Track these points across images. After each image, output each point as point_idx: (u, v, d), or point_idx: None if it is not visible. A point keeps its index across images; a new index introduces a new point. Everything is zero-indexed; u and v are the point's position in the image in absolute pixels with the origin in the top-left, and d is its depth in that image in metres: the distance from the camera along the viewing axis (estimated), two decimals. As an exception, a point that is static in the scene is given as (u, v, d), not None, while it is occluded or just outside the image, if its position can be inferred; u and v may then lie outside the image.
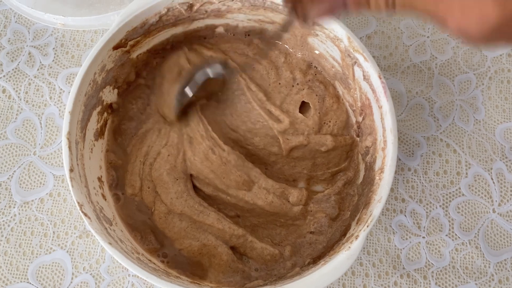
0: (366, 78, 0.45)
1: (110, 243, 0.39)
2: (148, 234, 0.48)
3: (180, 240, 0.48)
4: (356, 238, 0.39)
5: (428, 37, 0.60)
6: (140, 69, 0.52)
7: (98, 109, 0.47)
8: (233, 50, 0.54)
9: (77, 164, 0.42)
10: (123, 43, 0.46)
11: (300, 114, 0.51)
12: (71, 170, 0.41)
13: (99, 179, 0.47)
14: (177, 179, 0.49)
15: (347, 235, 0.43)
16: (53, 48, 0.59)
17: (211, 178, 0.49)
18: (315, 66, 0.53)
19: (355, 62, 0.46)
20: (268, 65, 0.53)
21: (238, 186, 0.49)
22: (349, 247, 0.39)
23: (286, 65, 0.53)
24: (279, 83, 0.52)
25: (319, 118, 0.51)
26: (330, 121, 0.52)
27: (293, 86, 0.52)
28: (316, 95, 0.52)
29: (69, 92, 0.55)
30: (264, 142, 0.51)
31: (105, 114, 0.49)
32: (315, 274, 0.38)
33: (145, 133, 0.51)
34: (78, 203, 0.40)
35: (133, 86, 0.52)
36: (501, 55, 0.59)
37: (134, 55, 0.49)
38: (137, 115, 0.52)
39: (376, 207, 0.40)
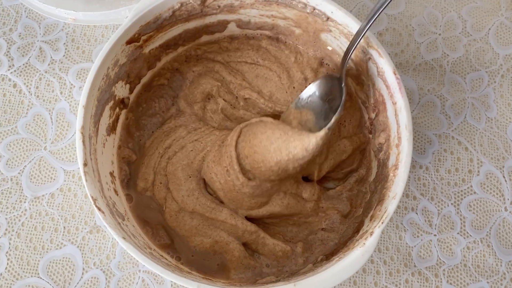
0: (380, 74, 0.45)
1: (124, 238, 0.39)
2: (160, 230, 0.48)
3: (191, 238, 0.48)
4: (371, 235, 0.39)
5: (440, 34, 0.59)
6: (164, 71, 0.53)
7: (111, 104, 0.47)
8: (243, 61, 0.54)
9: (91, 159, 0.42)
10: (136, 38, 0.46)
11: None
12: (85, 165, 0.41)
13: (111, 174, 0.47)
14: (190, 176, 0.49)
15: (361, 232, 0.43)
16: (64, 43, 0.58)
17: (221, 195, 0.49)
18: (327, 63, 0.53)
19: (369, 58, 0.45)
20: (278, 69, 0.53)
21: (251, 208, 0.48)
22: (364, 243, 0.39)
23: (296, 65, 0.53)
24: (294, 87, 0.52)
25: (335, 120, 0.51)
26: (345, 121, 0.51)
27: (305, 87, 0.52)
28: None
29: (79, 88, 0.56)
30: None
31: (117, 109, 0.49)
32: (330, 270, 0.38)
33: (174, 128, 0.51)
34: (92, 197, 0.40)
35: (155, 85, 0.52)
36: (513, 53, 0.59)
37: (146, 50, 0.49)
38: (159, 112, 0.52)
39: (391, 204, 0.40)
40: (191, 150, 0.50)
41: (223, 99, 0.52)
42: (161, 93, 0.53)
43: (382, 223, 0.39)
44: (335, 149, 0.50)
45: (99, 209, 0.39)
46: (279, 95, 0.52)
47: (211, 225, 0.48)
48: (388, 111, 0.45)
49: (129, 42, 0.46)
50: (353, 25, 0.44)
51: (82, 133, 0.41)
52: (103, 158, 0.45)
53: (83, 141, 0.41)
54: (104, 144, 0.46)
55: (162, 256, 0.45)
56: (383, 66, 0.44)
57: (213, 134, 0.50)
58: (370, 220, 0.43)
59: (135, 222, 0.47)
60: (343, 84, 0.45)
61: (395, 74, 0.43)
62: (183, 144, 0.50)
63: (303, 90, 0.49)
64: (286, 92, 0.52)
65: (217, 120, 0.52)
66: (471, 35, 0.59)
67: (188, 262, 0.47)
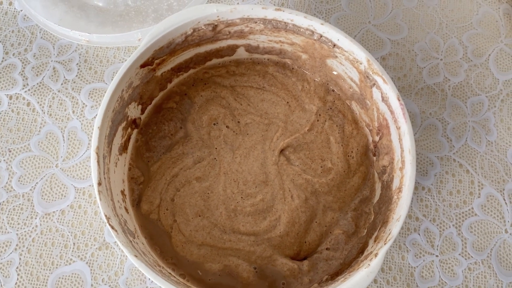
0: (384, 99, 0.46)
1: (136, 256, 0.40)
2: (167, 250, 0.49)
3: (199, 264, 0.48)
4: (376, 256, 0.40)
5: (441, 59, 0.61)
6: (174, 95, 0.55)
7: (123, 124, 0.49)
8: (249, 85, 0.56)
9: (104, 178, 0.43)
10: (150, 62, 0.48)
11: (330, 165, 0.52)
12: (99, 184, 0.42)
13: (122, 192, 0.48)
14: (199, 216, 0.50)
15: (365, 253, 0.44)
16: (77, 64, 0.60)
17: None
18: (332, 90, 0.54)
19: (374, 84, 0.47)
20: (286, 96, 0.55)
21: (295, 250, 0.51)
22: (369, 264, 0.40)
23: (304, 93, 0.55)
24: (307, 120, 0.54)
25: (343, 154, 0.52)
26: (352, 151, 0.53)
27: (317, 120, 0.53)
28: (336, 126, 0.53)
29: (91, 107, 0.57)
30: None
31: (129, 129, 0.50)
32: (335, 290, 0.39)
33: (182, 155, 0.52)
34: (106, 216, 0.41)
35: (165, 108, 0.54)
36: (512, 79, 0.61)
37: (159, 72, 0.51)
38: (168, 135, 0.53)
39: (395, 226, 0.41)
40: (196, 192, 0.51)
41: (226, 126, 0.54)
42: (170, 116, 0.54)
43: (385, 243, 0.41)
44: (352, 191, 0.52)
45: (112, 227, 0.41)
46: (289, 119, 0.54)
47: (221, 253, 0.49)
48: (392, 135, 0.47)
49: (143, 66, 0.47)
50: (359, 53, 0.46)
51: (97, 153, 0.43)
52: (115, 177, 0.47)
53: (98, 161, 0.43)
54: (116, 163, 0.48)
55: (170, 274, 0.46)
56: (388, 92, 0.46)
57: (213, 169, 0.52)
58: (375, 241, 0.44)
59: (144, 240, 0.48)
60: None
61: (399, 100, 0.45)
62: (189, 179, 0.51)
63: (315, 125, 0.53)
64: (302, 135, 0.53)
65: (217, 146, 0.53)
66: (471, 60, 0.61)
67: (195, 281, 0.48)
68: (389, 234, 0.41)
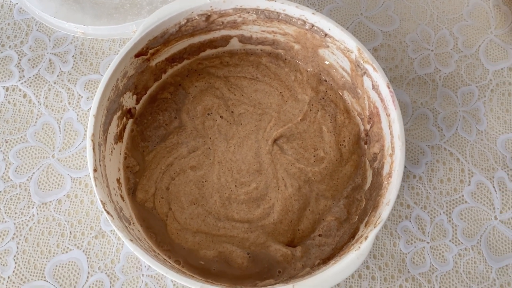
0: (375, 87, 0.47)
1: (131, 240, 0.41)
2: (163, 237, 0.50)
3: (194, 251, 0.49)
4: (366, 239, 0.41)
5: (432, 50, 0.62)
6: (168, 85, 0.55)
7: (118, 113, 0.49)
8: (243, 76, 0.56)
9: (100, 165, 0.44)
10: (144, 51, 0.49)
11: (323, 154, 0.53)
12: (95, 170, 0.43)
13: (118, 180, 0.49)
14: (194, 204, 0.51)
15: (356, 237, 0.45)
16: (73, 56, 0.61)
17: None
18: (324, 80, 0.55)
19: (365, 73, 0.48)
20: (279, 86, 0.56)
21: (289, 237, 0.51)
22: (359, 247, 0.41)
23: (297, 83, 0.55)
24: (299, 110, 0.55)
25: (336, 143, 0.53)
26: (344, 140, 0.54)
27: (310, 110, 0.54)
28: (329, 115, 0.54)
29: (87, 98, 0.58)
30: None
31: (124, 119, 0.51)
32: (327, 272, 0.40)
33: (176, 145, 0.53)
34: (101, 201, 0.42)
35: (160, 98, 0.55)
36: (502, 69, 0.62)
37: (153, 63, 0.51)
38: (163, 125, 0.54)
39: (385, 210, 0.42)
40: (191, 181, 0.52)
41: (220, 116, 0.54)
42: (164, 106, 0.55)
43: (375, 227, 0.42)
44: (344, 179, 0.52)
45: (107, 212, 0.41)
46: (282, 109, 0.55)
47: (215, 240, 0.50)
48: (383, 122, 0.48)
49: (137, 55, 0.48)
50: (349, 42, 0.47)
51: (92, 140, 0.43)
52: (110, 165, 0.48)
53: (93, 148, 0.43)
54: (111, 151, 0.48)
55: (165, 259, 0.47)
56: (378, 80, 0.47)
57: (208, 158, 0.53)
58: (365, 226, 0.45)
59: (139, 227, 0.49)
60: None
61: (388, 88, 0.45)
62: (184, 168, 0.52)
63: (307, 115, 0.54)
64: (294, 125, 0.54)
65: (212, 136, 0.54)
66: (462, 51, 0.62)
67: (190, 267, 0.48)
68: (379, 218, 0.42)
